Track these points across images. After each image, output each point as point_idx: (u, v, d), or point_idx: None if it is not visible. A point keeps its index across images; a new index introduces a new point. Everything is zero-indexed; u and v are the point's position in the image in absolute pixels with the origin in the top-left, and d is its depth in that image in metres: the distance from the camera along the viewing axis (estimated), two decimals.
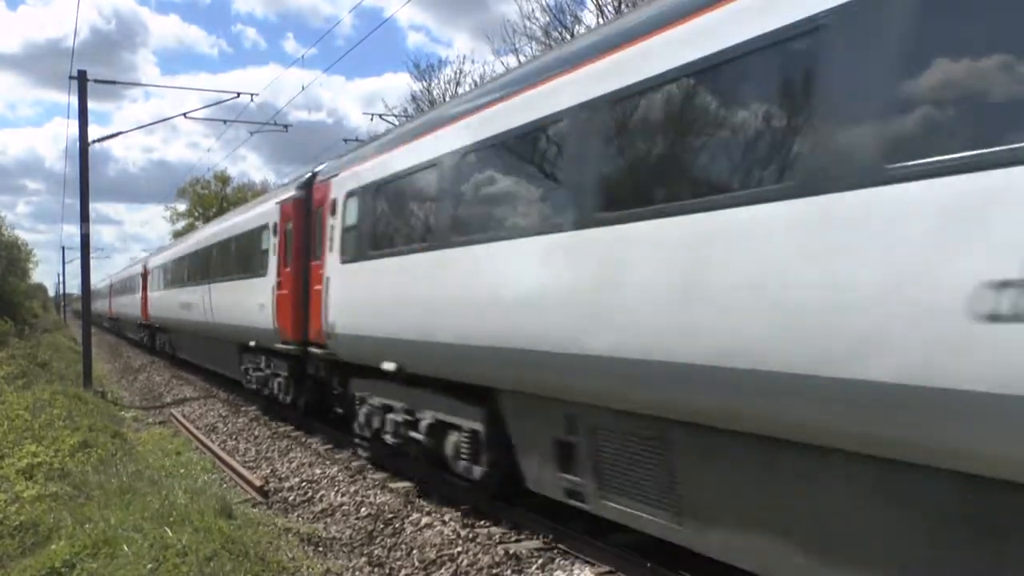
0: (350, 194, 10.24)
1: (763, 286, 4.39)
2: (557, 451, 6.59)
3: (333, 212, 10.75)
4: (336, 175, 11.04)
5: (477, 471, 7.73)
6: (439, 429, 8.36)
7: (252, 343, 14.71)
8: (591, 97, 5.86)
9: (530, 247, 6.34)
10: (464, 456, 7.85)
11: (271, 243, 13.55)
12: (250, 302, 14.33)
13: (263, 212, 14.48)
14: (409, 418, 8.94)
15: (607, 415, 5.85)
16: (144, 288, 30.48)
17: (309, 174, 12.78)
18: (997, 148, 3.42)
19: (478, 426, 7.62)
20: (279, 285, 12.85)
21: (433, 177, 8.02)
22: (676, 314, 4.92)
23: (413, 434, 8.81)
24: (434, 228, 7.94)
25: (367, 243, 9.56)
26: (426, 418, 8.53)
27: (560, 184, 6.14)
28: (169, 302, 24.53)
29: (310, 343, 11.55)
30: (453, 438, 8.08)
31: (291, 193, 12.94)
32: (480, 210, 7.17)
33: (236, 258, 16.16)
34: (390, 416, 9.39)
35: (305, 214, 12.27)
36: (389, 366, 8.76)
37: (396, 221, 9.00)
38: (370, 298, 9.42)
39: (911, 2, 3.82)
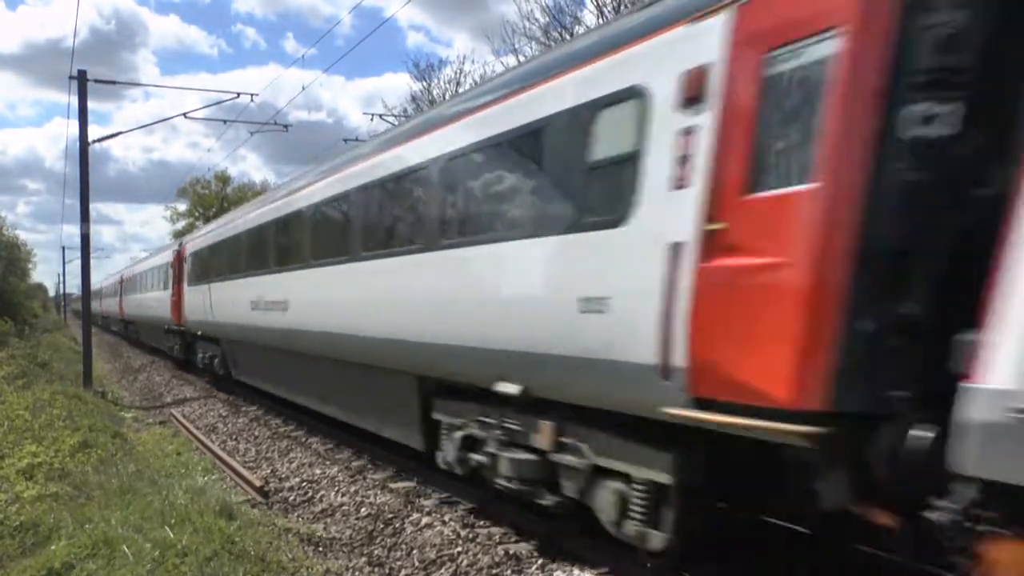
0: (191, 253, 21.70)
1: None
2: (231, 357, 17.84)
3: (185, 261, 22.20)
4: (188, 243, 23.05)
5: (222, 372, 18.93)
6: (212, 356, 19.70)
7: (166, 327, 26.22)
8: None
9: (227, 284, 16.55)
10: (218, 367, 19.14)
11: (170, 273, 24.70)
12: (163, 304, 25.73)
13: (167, 256, 26.60)
14: (206, 355, 20.50)
15: (241, 344, 16.43)
16: (121, 293, 42.25)
17: (181, 240, 26.05)
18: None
19: (219, 354, 18.86)
20: (172, 295, 23.75)
21: (207, 251, 19.37)
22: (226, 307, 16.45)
23: (207, 360, 20.31)
24: (200, 274, 19.79)
25: (192, 278, 20.98)
26: (208, 353, 20.11)
27: (216, 263, 18.34)
28: (133, 303, 36.92)
29: (181, 325, 22.52)
30: (216, 360, 19.22)
31: (176, 247, 24.82)
32: (217, 264, 18.03)
33: (157, 280, 28.13)
34: (200, 355, 21.16)
35: (179, 260, 23.15)
36: (199, 332, 20.38)
37: (197, 269, 20.51)
38: (192, 302, 20.49)
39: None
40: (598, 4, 28.38)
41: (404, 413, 8.95)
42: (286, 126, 24.74)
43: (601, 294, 5.53)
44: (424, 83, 44.97)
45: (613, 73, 5.66)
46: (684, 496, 5.37)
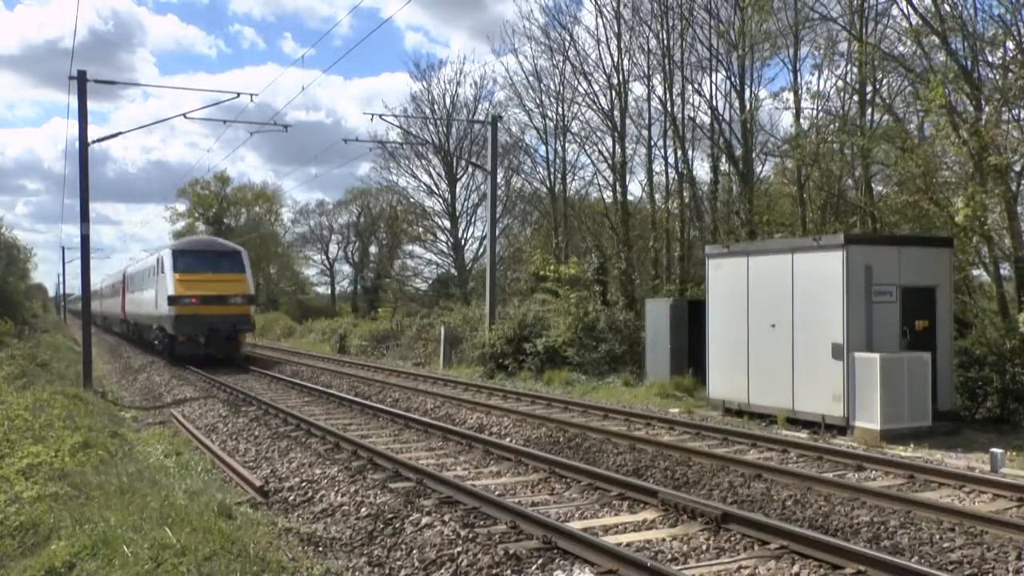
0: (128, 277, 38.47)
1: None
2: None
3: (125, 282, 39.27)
4: (127, 273, 39.90)
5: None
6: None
7: (119, 318, 42.21)
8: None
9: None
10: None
11: (122, 288, 39.18)
12: (116, 306, 42.91)
13: (117, 277, 43.42)
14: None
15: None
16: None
17: (123, 272, 41.72)
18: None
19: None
20: (121, 300, 39.84)
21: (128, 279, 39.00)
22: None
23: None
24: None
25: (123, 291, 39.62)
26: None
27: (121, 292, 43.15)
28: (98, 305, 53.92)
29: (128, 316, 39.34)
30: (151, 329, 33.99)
31: (120, 278, 41.39)
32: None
33: (113, 291, 44.67)
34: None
35: (123, 281, 39.37)
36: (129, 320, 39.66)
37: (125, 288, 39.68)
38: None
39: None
40: (597, 4, 28.36)
41: (158, 333, 29.16)
42: (286, 126, 24.78)
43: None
44: (424, 83, 45.00)
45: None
46: None
